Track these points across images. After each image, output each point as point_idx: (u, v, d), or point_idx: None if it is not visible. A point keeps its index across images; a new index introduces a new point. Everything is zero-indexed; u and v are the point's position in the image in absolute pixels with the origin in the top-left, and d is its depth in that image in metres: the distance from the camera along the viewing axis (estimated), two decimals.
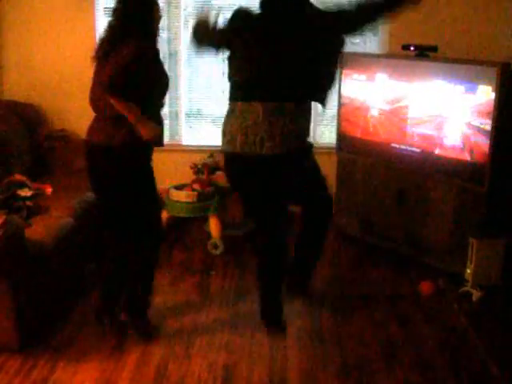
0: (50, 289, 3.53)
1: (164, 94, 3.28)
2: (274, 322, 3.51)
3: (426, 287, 4.00)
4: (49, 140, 4.89)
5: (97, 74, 3.22)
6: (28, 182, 4.04)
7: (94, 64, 3.25)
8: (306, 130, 3.37)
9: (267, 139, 3.13)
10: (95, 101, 3.22)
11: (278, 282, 3.49)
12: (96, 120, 3.26)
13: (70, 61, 5.07)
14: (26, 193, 3.89)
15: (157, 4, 3.22)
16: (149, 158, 3.30)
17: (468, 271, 3.89)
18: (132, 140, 3.10)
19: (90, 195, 4.17)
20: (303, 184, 3.52)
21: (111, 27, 3.18)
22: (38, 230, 3.49)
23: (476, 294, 3.80)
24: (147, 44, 3.13)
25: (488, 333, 3.46)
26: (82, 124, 5.07)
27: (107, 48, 3.14)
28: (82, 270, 4.07)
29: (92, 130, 3.24)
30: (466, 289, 3.88)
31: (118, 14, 3.15)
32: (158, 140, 3.24)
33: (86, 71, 5.02)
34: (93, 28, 5.03)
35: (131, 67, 2.99)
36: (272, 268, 3.48)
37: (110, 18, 3.21)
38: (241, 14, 3.35)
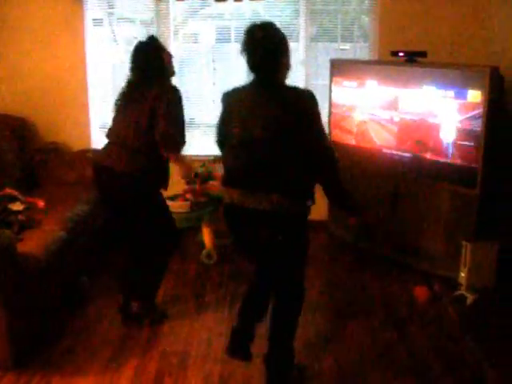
0: (44, 303, 3.51)
1: None
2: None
3: (420, 292, 4.00)
4: (40, 153, 4.88)
5: (130, 112, 3.37)
6: (20, 196, 4.03)
7: (121, 104, 3.46)
8: None
9: None
10: (123, 137, 3.36)
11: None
12: (116, 149, 3.38)
13: (61, 73, 5.05)
14: (17, 207, 3.88)
15: (166, 51, 3.48)
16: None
17: (462, 275, 3.89)
18: (150, 168, 3.39)
19: (81, 208, 4.18)
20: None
21: (132, 82, 3.46)
22: (31, 244, 3.48)
23: (470, 298, 3.80)
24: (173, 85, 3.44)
25: (483, 336, 3.45)
26: (72, 137, 5.14)
27: (137, 90, 3.38)
28: (75, 283, 4.05)
29: (113, 157, 3.36)
30: (460, 292, 3.87)
31: (137, 68, 3.43)
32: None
33: (76, 84, 5.09)
34: (83, 40, 5.02)
35: (180, 112, 3.44)
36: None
37: (129, 75, 3.46)
38: None
